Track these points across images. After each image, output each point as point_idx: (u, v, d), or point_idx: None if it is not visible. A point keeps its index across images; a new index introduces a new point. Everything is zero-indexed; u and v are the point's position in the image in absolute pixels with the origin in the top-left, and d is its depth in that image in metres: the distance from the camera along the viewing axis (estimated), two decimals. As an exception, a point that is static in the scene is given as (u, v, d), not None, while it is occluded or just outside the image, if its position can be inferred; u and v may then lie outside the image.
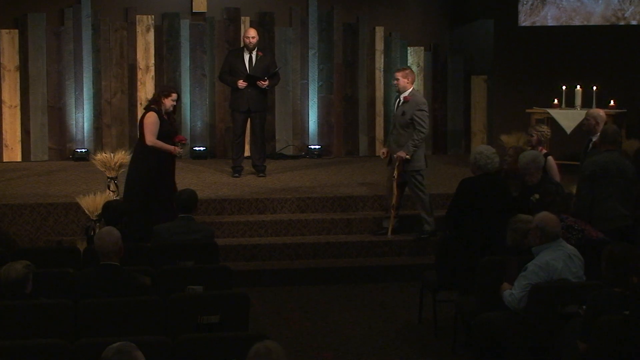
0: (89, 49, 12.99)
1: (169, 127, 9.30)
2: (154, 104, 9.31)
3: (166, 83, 13.20)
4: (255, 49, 11.47)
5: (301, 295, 9.08)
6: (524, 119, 12.01)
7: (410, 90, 9.83)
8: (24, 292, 5.92)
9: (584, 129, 9.25)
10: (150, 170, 9.15)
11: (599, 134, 8.46)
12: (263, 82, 11.24)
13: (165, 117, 9.26)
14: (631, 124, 12.08)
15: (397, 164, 9.70)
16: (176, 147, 9.32)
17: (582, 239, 7.00)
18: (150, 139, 9.17)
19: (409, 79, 9.84)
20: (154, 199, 9.06)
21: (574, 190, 9.06)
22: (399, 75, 9.87)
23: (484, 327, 6.75)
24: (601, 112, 9.31)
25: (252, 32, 11.54)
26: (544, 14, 12.98)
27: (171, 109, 9.32)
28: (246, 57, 11.45)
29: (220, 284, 6.87)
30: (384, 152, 10.05)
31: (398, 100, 9.90)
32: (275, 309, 8.68)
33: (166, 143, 9.20)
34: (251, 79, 11.23)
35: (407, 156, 9.66)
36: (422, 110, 9.77)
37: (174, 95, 9.34)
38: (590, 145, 9.08)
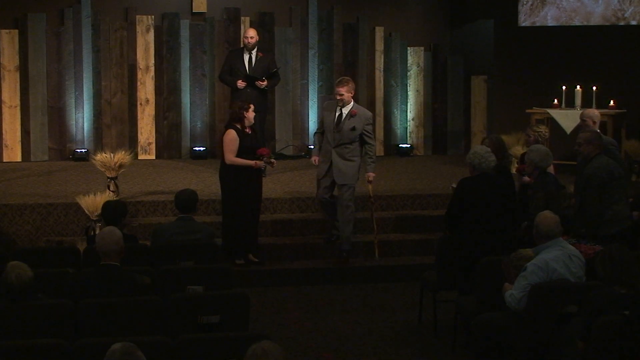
0: (89, 49, 12.99)
1: (251, 141, 9.23)
2: (235, 122, 9.23)
3: (166, 83, 13.23)
4: (255, 49, 11.46)
5: (301, 295, 9.07)
6: (524, 119, 12.00)
7: (353, 103, 9.56)
8: (29, 294, 5.90)
9: (585, 129, 9.25)
10: (240, 187, 9.21)
11: (589, 141, 8.20)
12: (261, 83, 11.23)
13: (248, 131, 9.22)
14: (631, 124, 12.08)
15: (370, 188, 9.69)
16: (257, 162, 9.18)
17: None
18: (229, 157, 9.17)
19: (352, 92, 9.57)
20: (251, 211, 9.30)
21: (571, 188, 9.08)
22: (343, 90, 9.46)
23: (484, 327, 6.75)
24: (596, 112, 9.34)
25: (251, 32, 11.53)
26: (544, 14, 12.98)
27: (253, 121, 9.27)
28: (246, 57, 11.44)
29: (220, 284, 6.87)
30: (315, 160, 9.73)
31: (339, 113, 9.49)
32: (275, 309, 8.68)
33: (249, 157, 9.15)
34: (250, 79, 11.23)
35: (374, 175, 9.69)
36: (371, 124, 9.65)
37: (253, 107, 9.30)
38: None
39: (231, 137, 9.16)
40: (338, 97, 9.49)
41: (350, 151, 9.49)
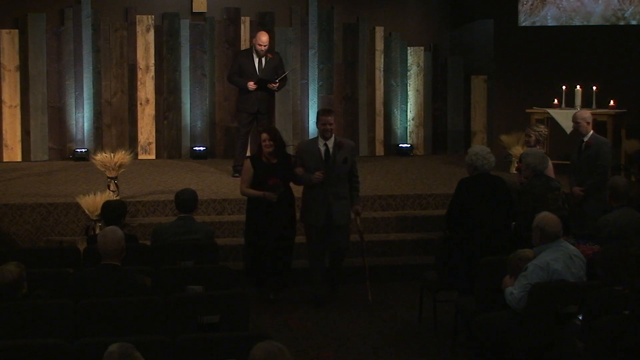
0: (89, 49, 12.99)
1: (269, 172, 8.53)
2: (259, 148, 8.72)
3: (166, 83, 13.22)
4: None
5: (301, 295, 9.07)
6: (524, 119, 12.01)
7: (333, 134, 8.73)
8: (21, 292, 5.92)
9: (580, 131, 9.30)
10: (251, 217, 8.75)
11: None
12: (274, 85, 11.22)
13: (271, 160, 8.59)
14: (631, 124, 12.08)
15: (359, 222, 8.87)
16: (265, 192, 8.50)
17: None
18: (240, 187, 8.80)
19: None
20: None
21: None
22: (331, 119, 8.64)
23: (484, 327, 6.76)
24: (588, 112, 9.46)
25: (265, 39, 11.34)
26: (544, 14, 12.98)
27: (269, 149, 8.55)
28: (256, 60, 11.38)
29: (220, 284, 6.87)
30: (319, 175, 8.60)
31: (325, 148, 8.63)
32: (276, 309, 8.67)
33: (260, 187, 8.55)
34: (263, 82, 11.20)
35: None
36: (355, 154, 8.95)
37: (263, 136, 8.65)
38: (583, 145, 9.17)
39: (244, 168, 8.87)
40: (328, 127, 8.61)
41: (344, 187, 8.69)
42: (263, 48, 11.32)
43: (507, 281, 6.63)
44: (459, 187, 7.90)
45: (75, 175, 11.74)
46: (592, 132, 9.25)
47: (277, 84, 11.26)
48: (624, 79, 12.43)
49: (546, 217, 6.65)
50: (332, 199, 8.63)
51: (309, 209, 8.71)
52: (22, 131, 12.92)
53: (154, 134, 13.21)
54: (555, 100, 12.06)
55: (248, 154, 11.91)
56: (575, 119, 9.32)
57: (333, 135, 8.68)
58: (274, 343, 4.33)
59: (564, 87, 11.95)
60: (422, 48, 13.94)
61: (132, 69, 13.17)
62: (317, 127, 8.79)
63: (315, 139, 8.83)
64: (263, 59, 11.38)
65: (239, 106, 11.63)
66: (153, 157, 13.20)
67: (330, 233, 8.72)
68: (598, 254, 6.09)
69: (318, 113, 8.90)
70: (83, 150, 12.91)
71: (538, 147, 9.09)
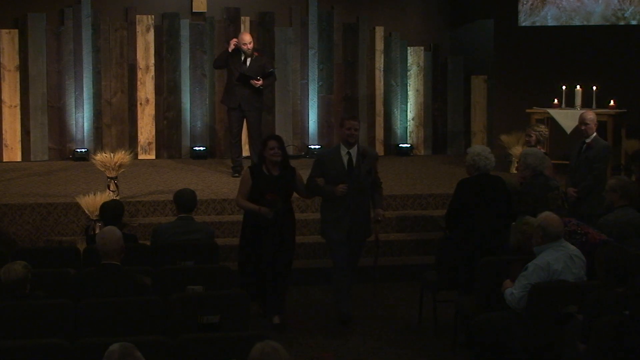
0: (89, 49, 12.99)
1: (264, 183, 8.00)
2: (261, 158, 8.21)
3: (166, 83, 13.22)
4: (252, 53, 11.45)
5: (301, 295, 9.07)
6: (524, 119, 12.01)
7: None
8: (23, 292, 5.94)
9: (587, 131, 9.22)
10: (246, 232, 8.25)
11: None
12: (257, 82, 11.23)
13: (273, 172, 8.06)
14: (631, 124, 12.08)
15: (378, 226, 8.53)
16: (261, 208, 7.94)
17: (585, 244, 6.95)
18: (236, 198, 8.32)
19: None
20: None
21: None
22: (357, 123, 8.11)
23: (484, 327, 6.76)
24: (593, 113, 9.40)
25: (248, 38, 11.38)
26: (544, 14, 12.98)
27: (275, 158, 8.01)
28: (242, 56, 11.42)
29: (220, 284, 6.87)
30: (343, 188, 8.00)
31: (348, 157, 8.05)
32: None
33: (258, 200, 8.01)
34: (245, 78, 11.22)
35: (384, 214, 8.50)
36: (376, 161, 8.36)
37: (270, 143, 8.04)
38: (584, 147, 9.14)
39: (242, 178, 8.28)
40: (354, 132, 8.04)
41: (366, 200, 8.17)
42: (247, 47, 11.34)
43: (507, 284, 6.63)
44: (459, 187, 7.89)
45: (75, 175, 11.74)
46: (595, 134, 9.21)
47: (261, 81, 11.24)
48: (624, 79, 12.43)
49: (548, 217, 6.65)
50: (357, 211, 8.09)
51: (331, 223, 8.13)
52: (22, 131, 12.92)
53: (154, 134, 13.21)
54: (555, 100, 12.07)
55: (246, 154, 11.93)
56: (584, 121, 9.20)
57: (357, 142, 8.16)
58: (270, 343, 4.35)
59: (564, 87, 11.96)
60: (422, 48, 13.95)
61: (132, 69, 13.17)
62: (341, 133, 8.17)
63: (337, 147, 8.23)
64: (249, 58, 11.40)
65: (223, 102, 11.67)
66: (153, 157, 13.20)
67: (349, 246, 8.20)
68: (598, 254, 6.09)
69: (343, 118, 8.35)
70: (83, 150, 12.91)
71: (539, 147, 9.09)
